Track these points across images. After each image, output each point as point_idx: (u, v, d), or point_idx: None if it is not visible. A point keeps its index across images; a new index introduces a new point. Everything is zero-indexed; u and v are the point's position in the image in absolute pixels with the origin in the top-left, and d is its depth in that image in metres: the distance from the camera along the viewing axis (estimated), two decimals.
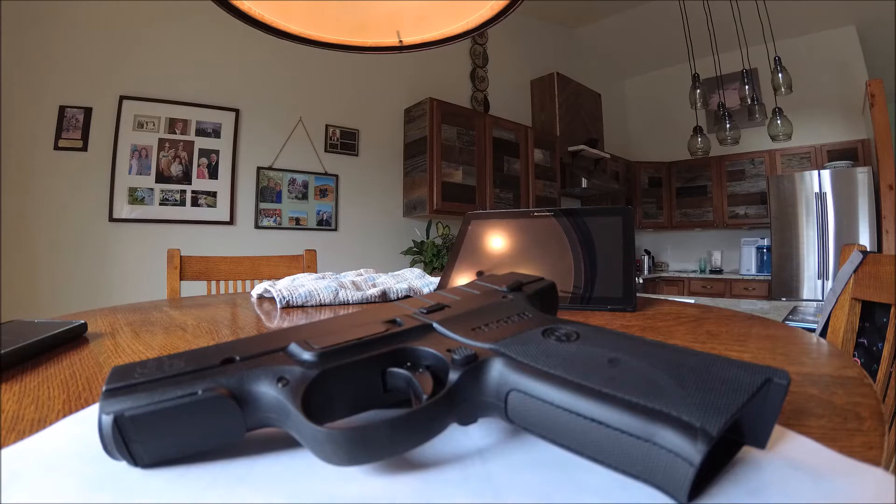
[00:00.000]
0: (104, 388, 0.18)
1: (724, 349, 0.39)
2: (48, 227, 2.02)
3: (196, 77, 2.39)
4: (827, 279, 3.39)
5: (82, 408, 0.26)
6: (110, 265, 2.14)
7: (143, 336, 0.48)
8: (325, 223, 2.81)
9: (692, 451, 0.14)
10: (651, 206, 4.71)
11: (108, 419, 0.17)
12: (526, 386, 0.18)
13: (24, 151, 1.98)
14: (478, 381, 0.19)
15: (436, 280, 0.86)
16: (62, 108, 2.06)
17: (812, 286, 3.45)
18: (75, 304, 2.02)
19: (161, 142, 2.29)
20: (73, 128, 2.07)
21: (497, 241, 0.76)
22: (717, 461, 0.16)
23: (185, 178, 2.34)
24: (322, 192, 2.80)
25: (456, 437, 0.21)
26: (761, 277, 3.88)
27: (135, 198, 2.21)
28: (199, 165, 2.39)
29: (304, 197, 2.73)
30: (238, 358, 0.20)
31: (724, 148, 3.56)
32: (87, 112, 2.11)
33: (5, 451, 0.19)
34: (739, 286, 4.00)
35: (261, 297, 0.81)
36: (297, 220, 2.71)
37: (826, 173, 3.42)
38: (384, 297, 0.77)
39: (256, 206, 2.57)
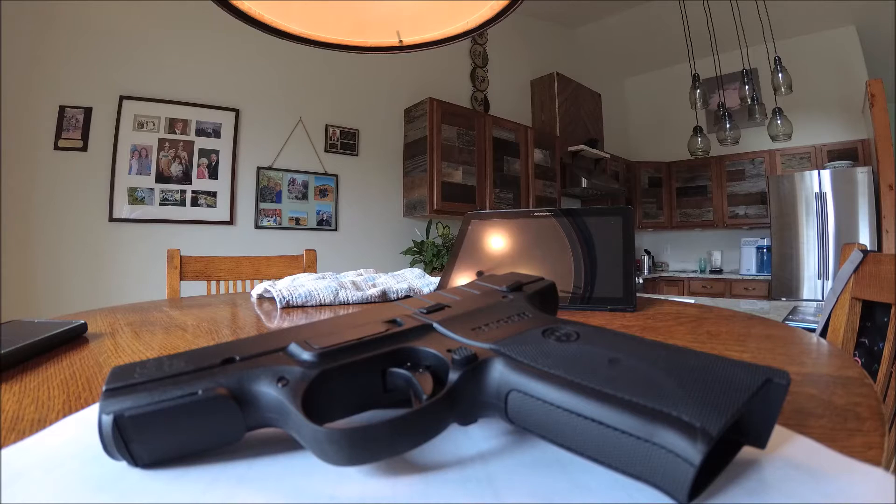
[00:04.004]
0: (104, 388, 0.18)
1: (724, 349, 0.39)
2: (48, 227, 2.02)
3: (196, 77, 2.39)
4: (827, 279, 3.39)
5: (82, 408, 0.26)
6: (110, 265, 2.14)
7: (143, 336, 0.48)
8: (325, 223, 2.81)
9: (692, 452, 0.14)
10: (651, 206, 4.71)
11: (108, 419, 0.17)
12: (526, 386, 0.18)
13: (24, 151, 1.98)
14: (478, 381, 0.19)
15: (436, 280, 0.86)
16: (62, 108, 2.06)
17: (812, 286, 3.45)
18: (75, 304, 2.02)
19: (161, 142, 2.29)
20: (73, 128, 2.07)
21: (497, 241, 0.76)
22: (718, 461, 0.16)
23: (185, 178, 2.34)
24: (322, 192, 2.80)
25: (456, 437, 0.21)
26: (761, 277, 3.88)
27: (135, 198, 2.21)
28: (199, 165, 2.39)
29: (304, 197, 2.73)
30: (238, 358, 0.20)
31: (724, 148, 3.56)
32: (87, 112, 2.11)
33: (5, 451, 0.19)
34: (739, 286, 4.00)
35: (261, 297, 0.81)
36: (297, 220, 2.71)
37: (826, 173, 3.42)
38: (384, 297, 0.77)
39: (256, 206, 2.57)
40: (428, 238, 3.00)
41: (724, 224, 4.34)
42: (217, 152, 2.44)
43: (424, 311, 0.25)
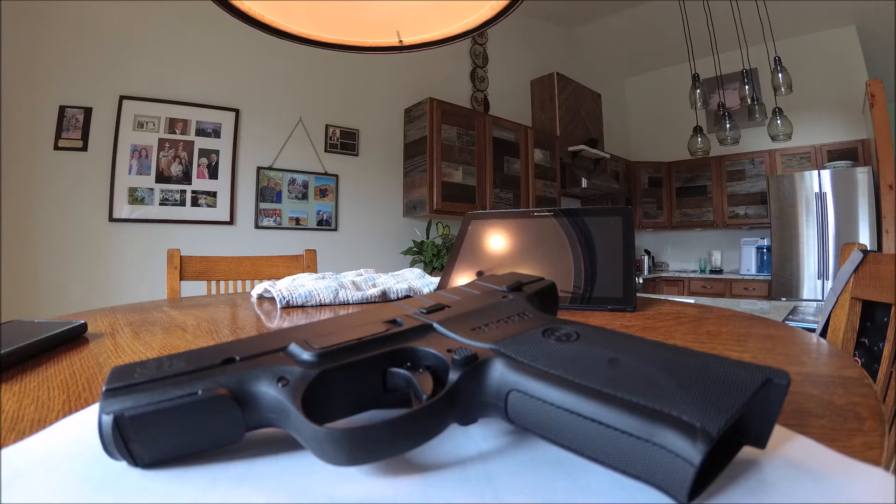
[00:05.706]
0: (104, 388, 0.18)
1: (724, 349, 0.39)
2: (48, 227, 2.02)
3: (196, 77, 2.39)
4: (827, 279, 3.39)
5: (82, 408, 0.26)
6: (110, 265, 2.14)
7: (143, 336, 0.48)
8: (325, 223, 2.81)
9: (692, 452, 0.14)
10: (651, 206, 4.71)
11: (107, 419, 0.17)
12: (526, 386, 0.18)
13: (24, 151, 1.98)
14: (478, 381, 0.19)
15: (436, 280, 0.86)
16: (62, 108, 2.06)
17: (812, 286, 3.45)
18: (75, 304, 2.01)
19: (161, 142, 2.28)
20: (73, 128, 2.07)
21: (497, 241, 0.76)
22: (718, 461, 0.16)
23: (185, 178, 2.34)
24: (322, 192, 2.80)
25: (456, 437, 0.21)
26: (761, 277, 3.88)
27: (135, 198, 2.21)
28: (199, 165, 2.38)
29: (304, 197, 2.73)
30: (238, 358, 0.20)
31: (724, 148, 3.56)
32: (87, 112, 2.11)
33: (5, 451, 0.19)
34: (739, 286, 4.00)
35: (261, 297, 0.81)
36: (297, 220, 2.71)
37: (826, 173, 3.42)
38: (384, 297, 0.77)
39: (256, 206, 2.57)
40: (428, 238, 3.00)
41: (724, 224, 4.34)
42: (217, 152, 2.44)
43: (424, 311, 0.25)
